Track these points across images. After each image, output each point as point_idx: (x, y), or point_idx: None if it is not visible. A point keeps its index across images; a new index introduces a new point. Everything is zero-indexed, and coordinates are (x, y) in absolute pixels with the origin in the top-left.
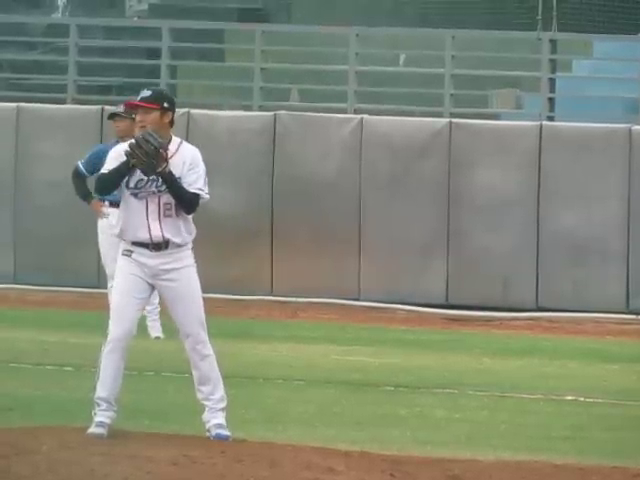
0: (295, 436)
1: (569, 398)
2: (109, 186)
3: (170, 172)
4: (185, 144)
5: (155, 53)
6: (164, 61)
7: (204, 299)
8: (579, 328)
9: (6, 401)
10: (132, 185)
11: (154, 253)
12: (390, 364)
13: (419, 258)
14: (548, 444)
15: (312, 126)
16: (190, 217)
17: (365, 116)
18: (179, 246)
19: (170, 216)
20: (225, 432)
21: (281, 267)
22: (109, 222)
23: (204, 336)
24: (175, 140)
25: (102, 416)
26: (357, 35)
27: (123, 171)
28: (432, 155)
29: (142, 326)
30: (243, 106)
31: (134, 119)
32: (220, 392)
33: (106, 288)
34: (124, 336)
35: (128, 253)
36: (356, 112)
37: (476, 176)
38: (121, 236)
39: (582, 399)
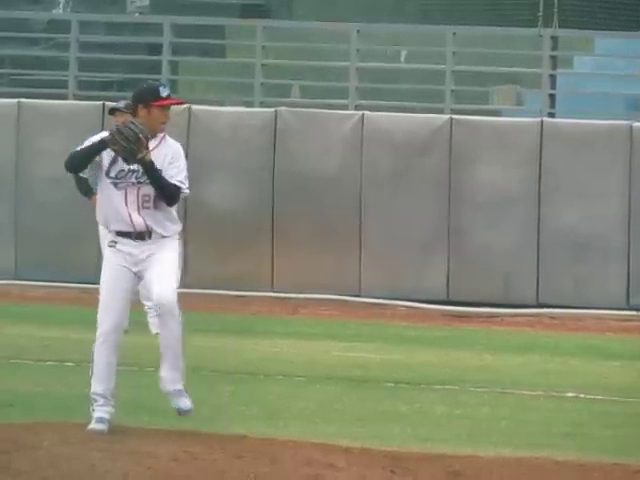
0: (296, 432)
1: (570, 395)
2: (77, 163)
3: (151, 161)
4: (168, 139)
5: (156, 49)
6: (165, 57)
7: (205, 295)
8: (580, 325)
9: (7, 397)
10: (113, 175)
11: (138, 243)
12: (391, 360)
13: (420, 254)
14: (549, 441)
15: (313, 122)
16: (173, 210)
17: (366, 112)
18: (163, 237)
19: (148, 208)
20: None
21: (282, 263)
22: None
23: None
24: (158, 135)
25: (100, 412)
26: (358, 31)
27: (95, 150)
28: (433, 151)
29: (143, 322)
30: (244, 102)
31: (134, 114)
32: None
33: None
34: (113, 329)
35: (113, 244)
36: (357, 108)
37: (477, 172)
38: (105, 225)
39: (583, 396)
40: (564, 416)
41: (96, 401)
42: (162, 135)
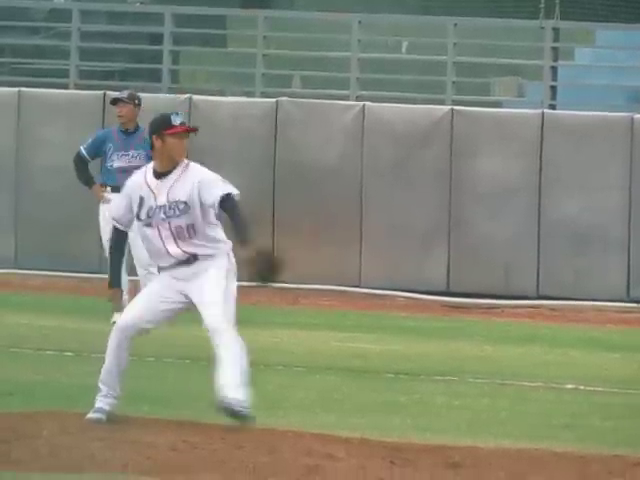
0: (295, 422)
1: (570, 386)
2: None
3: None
4: (190, 164)
5: (157, 39)
6: (166, 47)
7: None
8: (580, 316)
9: (6, 386)
10: (143, 217)
11: (184, 267)
12: (391, 351)
13: (420, 245)
14: (548, 432)
15: (314, 113)
16: (216, 228)
17: (367, 103)
18: (210, 255)
19: (184, 238)
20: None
21: (282, 253)
22: (110, 207)
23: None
24: (180, 164)
25: (101, 402)
26: (360, 22)
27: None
28: (434, 142)
29: None
30: (245, 92)
31: (137, 104)
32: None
33: (107, 273)
34: (130, 325)
35: (160, 271)
36: (358, 99)
37: (478, 164)
38: (154, 264)
39: (583, 387)
40: (564, 407)
41: (100, 391)
42: (185, 163)
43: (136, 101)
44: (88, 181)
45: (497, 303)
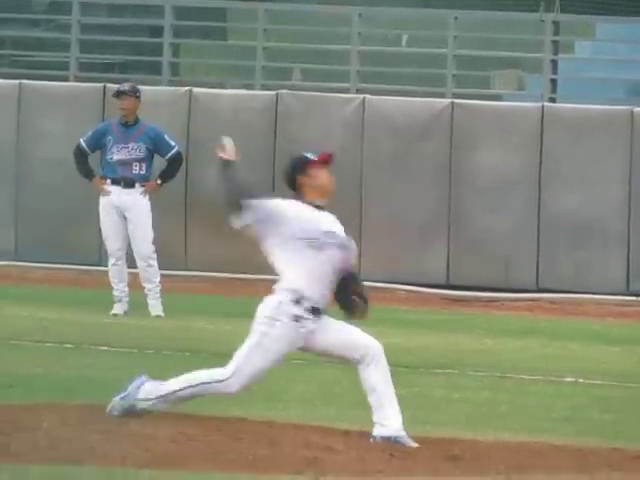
0: (295, 415)
1: (569, 379)
2: None
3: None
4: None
5: (158, 31)
6: (167, 39)
7: (206, 278)
8: (580, 309)
9: (6, 378)
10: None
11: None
12: (390, 344)
13: (420, 238)
14: (548, 425)
15: (314, 105)
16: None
17: (367, 96)
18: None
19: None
20: None
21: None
22: (110, 200)
23: None
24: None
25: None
26: (360, 15)
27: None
28: (434, 135)
29: (143, 304)
30: (245, 85)
31: (137, 97)
32: None
33: (106, 266)
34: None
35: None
36: (358, 92)
37: (478, 157)
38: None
39: (582, 380)
40: (563, 401)
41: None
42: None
43: (137, 94)
44: (88, 174)
45: (497, 296)
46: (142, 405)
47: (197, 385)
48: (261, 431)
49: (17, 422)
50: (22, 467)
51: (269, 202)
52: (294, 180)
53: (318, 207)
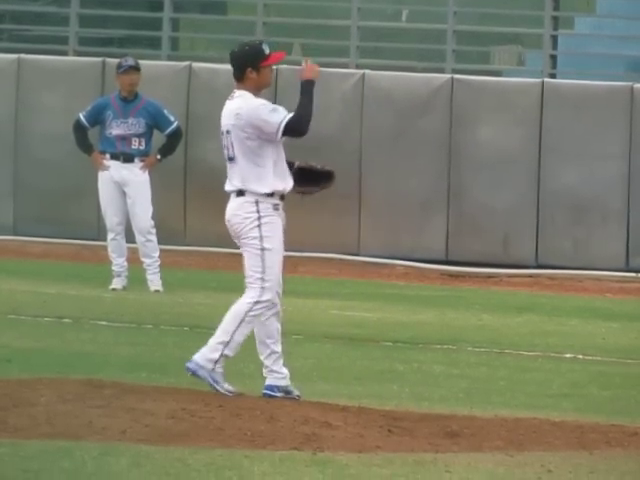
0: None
1: (568, 356)
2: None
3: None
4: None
5: (157, 6)
6: (166, 14)
7: (205, 253)
8: (579, 286)
9: (4, 352)
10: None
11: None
12: (389, 319)
13: (419, 214)
14: (546, 401)
15: None
16: None
17: (367, 71)
18: None
19: None
20: None
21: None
22: (110, 174)
23: None
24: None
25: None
26: None
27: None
28: (433, 111)
29: (142, 279)
30: None
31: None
32: None
33: (105, 241)
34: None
35: (277, 207)
36: (358, 67)
37: (477, 133)
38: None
39: (581, 357)
40: (562, 377)
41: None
42: None
43: (140, 69)
44: (87, 148)
45: (496, 272)
46: (219, 368)
47: (243, 320)
48: (259, 407)
49: (15, 397)
50: (20, 442)
51: None
52: (243, 71)
53: None
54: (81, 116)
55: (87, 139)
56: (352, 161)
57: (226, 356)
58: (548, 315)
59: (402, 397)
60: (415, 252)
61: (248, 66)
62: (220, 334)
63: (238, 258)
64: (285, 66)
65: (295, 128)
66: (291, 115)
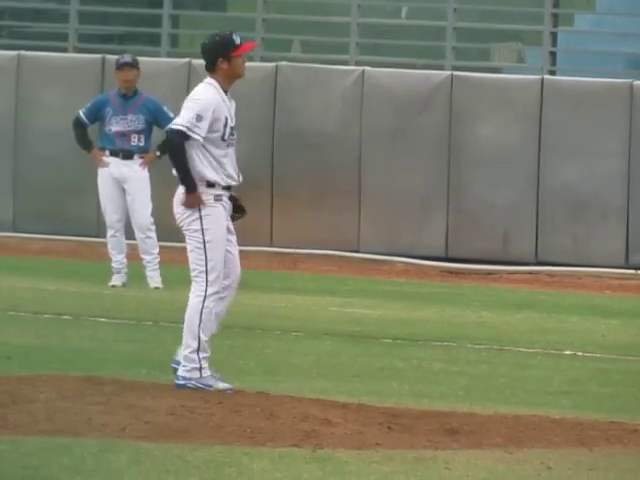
0: (293, 388)
1: (568, 353)
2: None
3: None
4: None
5: (157, 2)
6: (166, 10)
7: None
8: (578, 283)
9: (4, 349)
10: (227, 137)
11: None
12: (389, 316)
13: (419, 211)
14: (546, 398)
15: (313, 78)
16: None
17: (367, 68)
18: None
19: None
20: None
21: (281, 218)
22: (109, 171)
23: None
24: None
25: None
26: None
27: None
28: (433, 108)
29: (142, 276)
30: (244, 56)
31: (138, 68)
32: None
33: (105, 237)
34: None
35: (219, 198)
36: (358, 64)
37: (477, 130)
38: (217, 180)
39: (581, 354)
40: (562, 374)
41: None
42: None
43: (138, 65)
44: (87, 145)
45: (495, 269)
46: (205, 372)
47: (200, 318)
48: (259, 403)
49: (15, 394)
50: (20, 439)
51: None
52: (215, 61)
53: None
54: (81, 113)
55: (87, 136)
56: (352, 158)
57: (205, 358)
58: (548, 312)
59: (402, 394)
60: (415, 249)
61: (219, 56)
62: (188, 342)
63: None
64: (285, 63)
65: (167, 142)
66: (174, 131)
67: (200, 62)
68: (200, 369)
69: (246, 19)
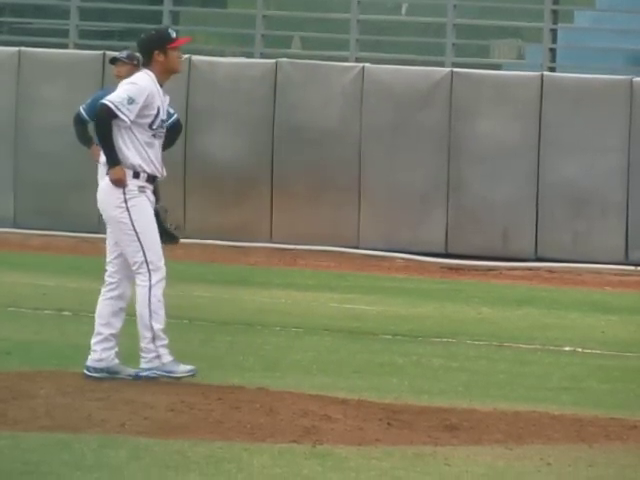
0: (292, 383)
1: (567, 349)
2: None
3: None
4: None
5: None
6: (166, 7)
7: (204, 246)
8: (578, 279)
9: (4, 345)
10: (156, 127)
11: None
12: (388, 312)
13: (419, 207)
14: (546, 394)
15: (313, 74)
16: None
17: (366, 65)
18: None
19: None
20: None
21: (281, 214)
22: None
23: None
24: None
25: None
26: None
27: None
28: (433, 104)
29: None
30: (244, 53)
31: (135, 65)
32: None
33: (105, 233)
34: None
35: (143, 190)
36: (357, 60)
37: (477, 126)
38: (142, 170)
39: (580, 350)
40: (561, 370)
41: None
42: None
43: (135, 61)
44: (87, 141)
45: (495, 265)
46: (166, 358)
47: (150, 309)
48: (259, 399)
49: (15, 390)
50: (20, 434)
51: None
52: (151, 54)
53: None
54: (81, 109)
55: (87, 132)
56: (352, 154)
57: (163, 345)
58: (547, 308)
59: (401, 390)
60: (415, 245)
61: (155, 48)
62: (144, 333)
63: (238, 251)
64: (285, 59)
65: (98, 113)
66: (103, 106)
67: (200, 58)
68: (158, 356)
69: (246, 15)
